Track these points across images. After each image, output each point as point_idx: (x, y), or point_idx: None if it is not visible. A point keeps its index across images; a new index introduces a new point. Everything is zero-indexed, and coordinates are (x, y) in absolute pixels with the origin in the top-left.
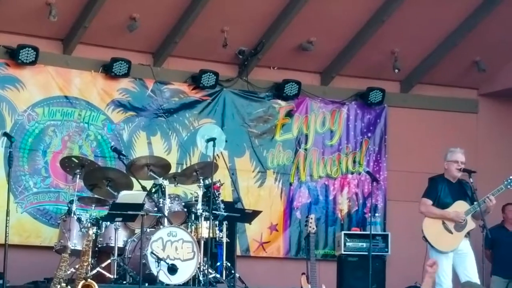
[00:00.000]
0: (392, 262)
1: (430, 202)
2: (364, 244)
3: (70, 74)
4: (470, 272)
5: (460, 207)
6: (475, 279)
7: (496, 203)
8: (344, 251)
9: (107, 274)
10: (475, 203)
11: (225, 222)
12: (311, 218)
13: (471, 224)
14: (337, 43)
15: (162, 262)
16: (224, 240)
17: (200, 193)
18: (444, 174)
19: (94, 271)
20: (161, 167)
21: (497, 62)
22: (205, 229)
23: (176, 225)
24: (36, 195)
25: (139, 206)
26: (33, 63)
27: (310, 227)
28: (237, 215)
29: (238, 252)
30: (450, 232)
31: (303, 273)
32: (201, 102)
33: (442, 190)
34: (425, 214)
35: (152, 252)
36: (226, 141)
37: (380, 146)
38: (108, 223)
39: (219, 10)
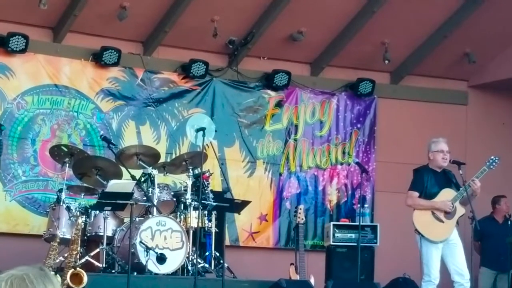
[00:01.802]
0: (381, 253)
1: (416, 194)
2: (353, 235)
3: (60, 63)
4: (460, 262)
5: (447, 195)
6: (464, 269)
7: (485, 195)
8: (333, 242)
9: (96, 263)
10: (460, 188)
11: (214, 212)
12: (300, 209)
13: (460, 210)
14: (327, 33)
15: (151, 252)
16: (213, 230)
17: (189, 182)
18: (428, 164)
19: (83, 260)
20: (150, 156)
21: (487, 54)
22: (194, 219)
23: (165, 214)
24: (25, 184)
25: (128, 195)
26: (23, 51)
27: (299, 217)
28: (226, 205)
29: (227, 242)
30: (441, 221)
31: (292, 264)
32: (190, 92)
33: (428, 181)
34: (412, 206)
35: (141, 242)
36: (215, 131)
37: (370, 137)
38: (97, 212)
39: None
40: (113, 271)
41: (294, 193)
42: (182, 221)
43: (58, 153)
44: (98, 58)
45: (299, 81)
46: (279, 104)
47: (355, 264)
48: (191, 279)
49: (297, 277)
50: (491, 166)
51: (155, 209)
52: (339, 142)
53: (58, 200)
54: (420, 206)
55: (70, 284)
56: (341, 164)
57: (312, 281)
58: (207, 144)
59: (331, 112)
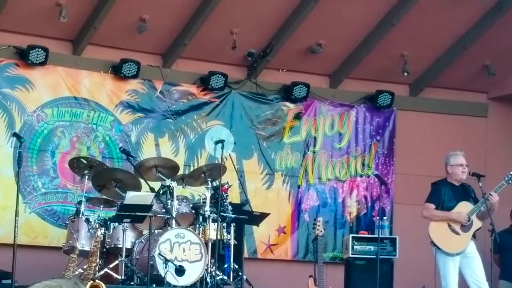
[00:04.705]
0: (400, 266)
1: (433, 206)
2: (372, 248)
3: (79, 75)
4: (478, 275)
5: (464, 208)
6: (483, 282)
7: (504, 208)
8: (352, 254)
9: (115, 275)
10: (478, 202)
11: (233, 224)
12: (319, 221)
13: (477, 224)
14: (346, 45)
15: (169, 264)
16: (232, 242)
17: (208, 195)
18: (447, 178)
19: (102, 272)
20: (169, 168)
21: (507, 66)
22: (212, 231)
23: (184, 226)
24: (44, 196)
25: (147, 208)
26: (42, 63)
27: (317, 230)
28: (245, 217)
29: (246, 254)
30: (457, 233)
31: (310, 276)
32: (209, 104)
33: (445, 194)
34: (428, 217)
35: (159, 254)
36: (234, 143)
37: (389, 149)
38: (116, 224)
39: (229, 12)
40: (132, 283)
41: (313, 205)
42: (201, 233)
43: (77, 165)
44: (117, 71)
45: (318, 93)
46: (297, 116)
47: (374, 276)
48: None
49: None
50: (510, 181)
51: (174, 221)
52: (358, 154)
53: (77, 212)
54: (435, 217)
55: None
56: (361, 176)
57: None
58: (225, 157)
59: (350, 124)
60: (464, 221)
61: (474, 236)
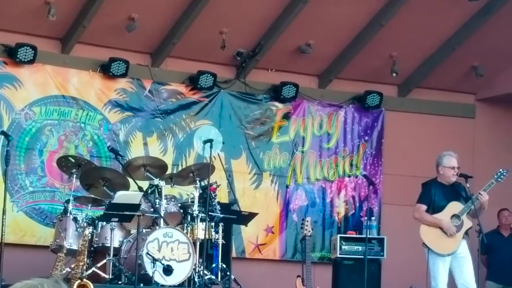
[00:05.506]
0: (388, 266)
1: (424, 207)
2: (360, 248)
3: (68, 74)
4: (467, 277)
5: (454, 208)
6: (472, 284)
7: (492, 209)
8: (340, 254)
9: (103, 274)
10: (468, 202)
11: (221, 224)
12: (307, 221)
13: (468, 223)
14: (335, 46)
15: (157, 263)
16: (220, 241)
17: (196, 194)
18: (437, 178)
19: (90, 271)
20: (157, 167)
21: (495, 68)
22: (201, 231)
23: (172, 226)
24: (32, 194)
25: (135, 207)
26: (31, 62)
27: (306, 229)
28: (233, 217)
29: (234, 254)
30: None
31: (298, 276)
32: (198, 103)
33: (436, 194)
34: (419, 220)
35: (147, 253)
36: (223, 143)
37: (377, 149)
38: (104, 223)
39: (218, 11)
40: (120, 282)
41: (301, 205)
42: (189, 233)
43: (65, 164)
44: (106, 69)
45: (307, 94)
46: (286, 116)
47: (362, 276)
48: None
49: None
50: (499, 179)
51: (162, 220)
52: (346, 154)
53: (65, 211)
54: (426, 221)
55: None
56: (349, 176)
57: None
58: (214, 156)
59: (338, 124)
60: (452, 234)
61: (466, 233)
